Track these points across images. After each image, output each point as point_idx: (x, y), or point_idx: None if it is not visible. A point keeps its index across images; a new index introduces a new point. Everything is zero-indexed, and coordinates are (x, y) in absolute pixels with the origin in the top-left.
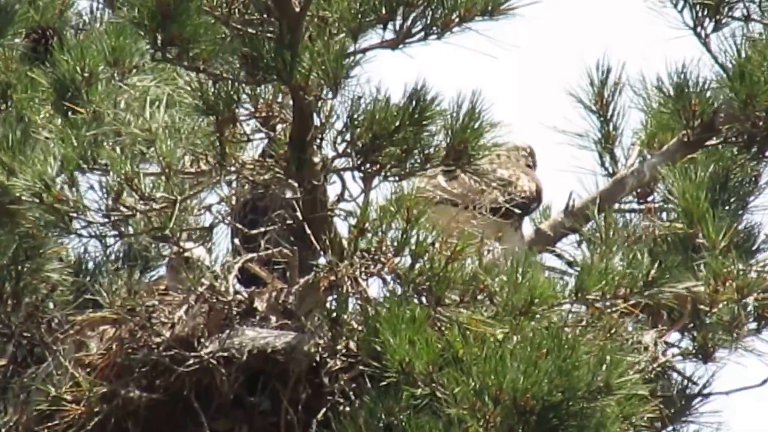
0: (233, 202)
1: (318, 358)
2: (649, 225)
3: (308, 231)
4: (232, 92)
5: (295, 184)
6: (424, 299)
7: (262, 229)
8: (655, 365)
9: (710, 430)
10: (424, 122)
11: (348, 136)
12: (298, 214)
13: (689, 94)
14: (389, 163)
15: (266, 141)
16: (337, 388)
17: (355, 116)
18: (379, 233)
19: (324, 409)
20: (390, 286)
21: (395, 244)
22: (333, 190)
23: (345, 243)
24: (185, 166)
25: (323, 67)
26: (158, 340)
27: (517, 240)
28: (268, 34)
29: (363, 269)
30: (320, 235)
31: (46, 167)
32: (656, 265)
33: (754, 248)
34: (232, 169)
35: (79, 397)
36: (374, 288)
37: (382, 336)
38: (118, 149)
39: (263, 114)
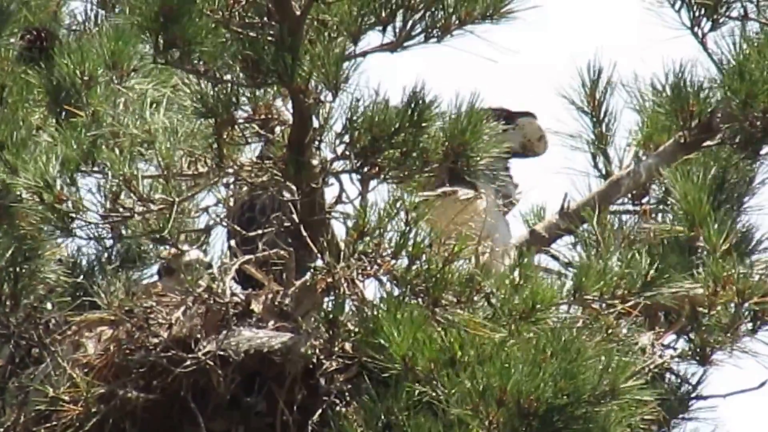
0: (231, 204)
1: (314, 360)
2: (648, 227)
3: (305, 233)
4: (231, 95)
5: (293, 187)
6: (420, 300)
7: (259, 231)
8: (652, 367)
9: (708, 429)
10: (423, 125)
11: (347, 139)
12: (295, 216)
13: (687, 95)
14: (388, 165)
15: (264, 143)
16: (332, 389)
17: (354, 118)
18: (377, 235)
19: (320, 410)
20: (387, 287)
21: (393, 246)
22: (330, 193)
23: (342, 245)
24: (183, 168)
25: (323, 70)
26: (155, 341)
27: (503, 225)
28: (269, 38)
29: (360, 271)
30: (317, 237)
31: (48, 167)
32: (654, 266)
33: (749, 249)
34: (230, 171)
35: (77, 398)
36: (370, 290)
37: (386, 332)
38: (116, 151)
39: (262, 116)
